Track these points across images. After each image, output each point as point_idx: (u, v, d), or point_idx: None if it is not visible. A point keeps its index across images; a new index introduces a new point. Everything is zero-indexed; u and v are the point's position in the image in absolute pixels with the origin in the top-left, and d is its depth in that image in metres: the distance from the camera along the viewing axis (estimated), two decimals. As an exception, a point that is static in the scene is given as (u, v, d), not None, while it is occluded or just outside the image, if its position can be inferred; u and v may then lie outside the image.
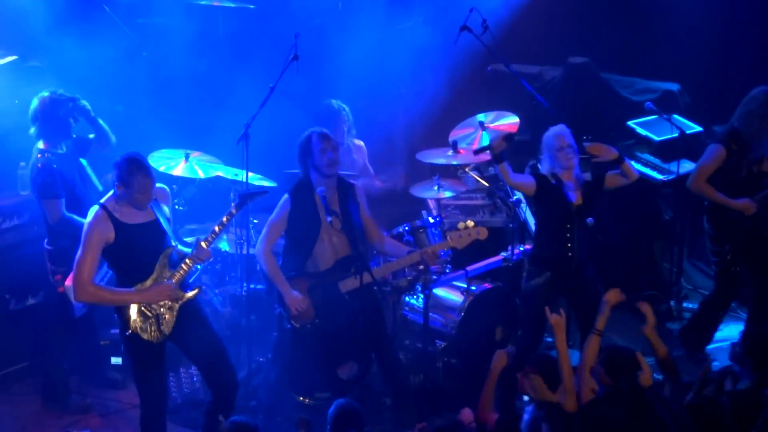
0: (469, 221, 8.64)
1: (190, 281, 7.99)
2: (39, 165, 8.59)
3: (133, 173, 7.48)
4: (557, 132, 8.66)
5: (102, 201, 7.65)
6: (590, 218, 8.85)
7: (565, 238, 8.63)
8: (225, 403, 7.98)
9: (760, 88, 9.24)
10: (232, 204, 7.96)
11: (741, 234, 9.24)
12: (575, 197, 8.64)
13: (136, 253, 7.63)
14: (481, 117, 9.87)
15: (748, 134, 9.09)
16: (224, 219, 7.88)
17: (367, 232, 8.75)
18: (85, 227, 7.60)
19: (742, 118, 9.15)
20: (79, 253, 7.56)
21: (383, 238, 8.84)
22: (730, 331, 9.90)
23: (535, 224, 9.04)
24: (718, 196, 9.18)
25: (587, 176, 8.78)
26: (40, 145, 8.64)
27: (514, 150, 10.72)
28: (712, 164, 9.18)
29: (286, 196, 8.61)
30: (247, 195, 8.10)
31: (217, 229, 7.83)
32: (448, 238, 8.69)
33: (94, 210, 7.61)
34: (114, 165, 7.65)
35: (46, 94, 8.60)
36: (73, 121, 8.70)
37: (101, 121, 8.84)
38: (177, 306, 7.73)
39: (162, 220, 7.75)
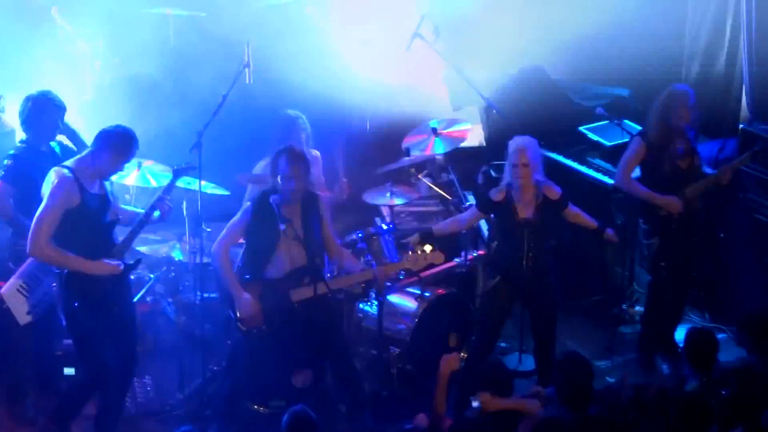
0: (427, 245, 8.68)
1: (142, 293, 8.16)
2: (12, 151, 8.71)
3: (134, 149, 7.95)
4: (518, 146, 8.61)
5: (68, 164, 7.87)
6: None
7: (518, 249, 8.69)
8: (119, 381, 8.28)
9: (671, 85, 9.43)
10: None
11: (670, 231, 9.30)
12: (529, 213, 8.67)
13: (89, 221, 7.88)
14: (433, 123, 9.97)
15: (662, 128, 9.20)
16: (159, 194, 8.24)
17: (326, 247, 8.70)
18: (51, 187, 7.76)
19: (654, 113, 9.27)
20: (41, 210, 7.73)
21: (342, 254, 8.79)
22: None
23: (490, 229, 9.11)
24: (642, 191, 9.23)
25: (556, 191, 8.78)
26: (23, 136, 8.76)
27: (464, 157, 10.85)
28: (633, 157, 9.28)
29: (248, 204, 8.63)
30: (180, 170, 8.38)
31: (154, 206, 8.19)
32: (404, 259, 8.68)
33: (61, 171, 7.79)
34: (111, 133, 7.94)
35: (36, 93, 8.67)
36: (61, 124, 8.77)
37: (81, 136, 8.96)
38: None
39: (110, 195, 8.08)
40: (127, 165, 8.11)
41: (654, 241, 9.47)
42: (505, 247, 8.84)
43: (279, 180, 8.37)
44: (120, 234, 8.20)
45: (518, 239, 8.71)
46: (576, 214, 8.94)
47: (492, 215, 8.93)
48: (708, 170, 9.55)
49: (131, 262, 8.12)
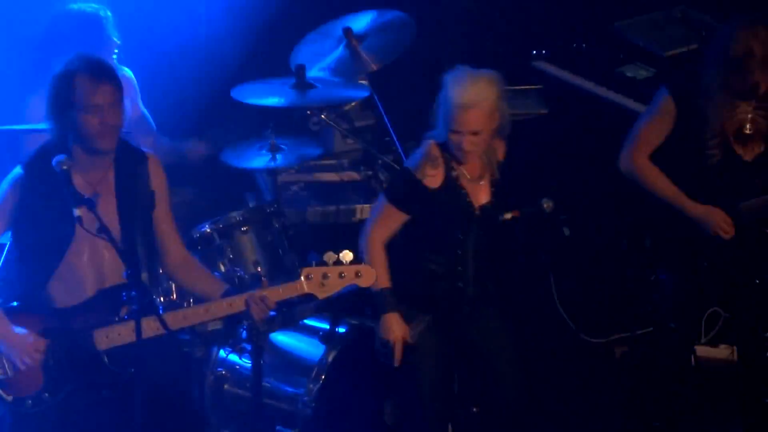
0: (346, 252, 8.42)
1: None
2: None
3: None
4: (462, 100, 8.46)
5: None
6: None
7: (455, 257, 8.67)
8: None
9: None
10: None
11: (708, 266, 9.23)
12: (481, 195, 8.67)
13: None
14: (348, 23, 10.04)
15: (722, 88, 9.10)
16: None
17: (161, 245, 8.51)
18: None
19: (714, 57, 9.22)
20: None
21: (189, 262, 8.63)
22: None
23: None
24: (665, 187, 9.43)
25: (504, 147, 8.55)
26: None
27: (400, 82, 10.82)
28: (656, 126, 9.42)
29: (18, 170, 8.26)
30: None
31: None
32: (301, 277, 8.32)
33: None
34: None
35: None
36: None
37: None
38: None
39: None
40: None
41: (671, 278, 9.17)
42: (428, 254, 8.80)
43: (80, 118, 8.12)
44: None
45: (454, 240, 8.70)
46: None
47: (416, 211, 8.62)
48: None
49: None
